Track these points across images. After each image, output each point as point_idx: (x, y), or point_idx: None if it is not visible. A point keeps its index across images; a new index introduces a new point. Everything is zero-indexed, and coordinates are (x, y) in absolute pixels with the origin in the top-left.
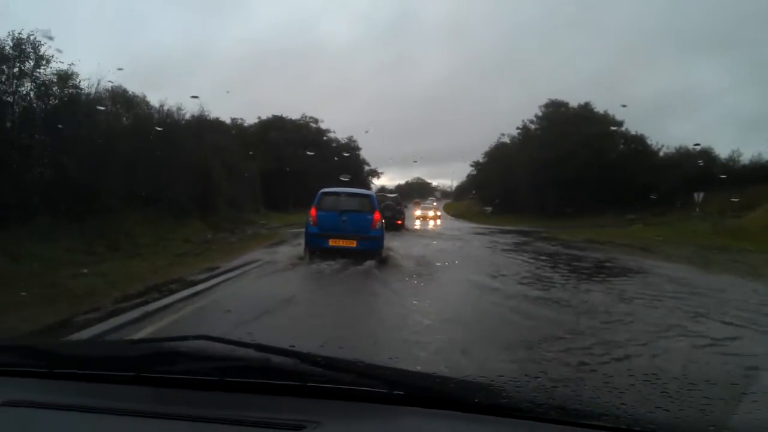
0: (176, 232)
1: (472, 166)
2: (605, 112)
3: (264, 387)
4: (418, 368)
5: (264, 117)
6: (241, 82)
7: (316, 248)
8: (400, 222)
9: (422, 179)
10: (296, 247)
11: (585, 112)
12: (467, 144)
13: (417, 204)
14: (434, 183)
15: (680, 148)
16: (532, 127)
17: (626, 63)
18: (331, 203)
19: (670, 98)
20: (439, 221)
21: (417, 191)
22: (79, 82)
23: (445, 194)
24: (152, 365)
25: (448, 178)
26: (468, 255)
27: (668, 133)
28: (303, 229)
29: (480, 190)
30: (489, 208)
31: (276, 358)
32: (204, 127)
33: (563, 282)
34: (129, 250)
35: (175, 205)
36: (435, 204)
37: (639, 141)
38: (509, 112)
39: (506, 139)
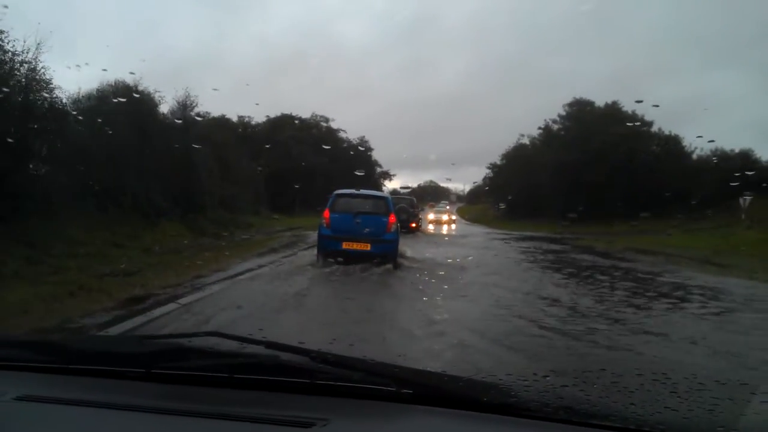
0: (139, 238)
1: (488, 168)
2: (633, 112)
3: (274, 384)
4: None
5: (273, 115)
6: (255, 82)
7: (330, 251)
8: (414, 225)
9: (435, 182)
10: (283, 265)
11: (612, 110)
12: (481, 148)
13: (431, 207)
14: (448, 186)
15: (716, 150)
16: (555, 127)
17: (648, 68)
18: (346, 205)
19: (692, 101)
20: (453, 225)
21: (430, 194)
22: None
23: (458, 198)
24: (163, 361)
25: (460, 182)
26: (497, 269)
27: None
28: (303, 234)
29: (497, 193)
30: (502, 205)
31: (286, 356)
32: (189, 116)
33: (662, 324)
34: (53, 263)
35: (146, 204)
36: (449, 207)
37: (673, 142)
38: (524, 117)
39: (526, 140)
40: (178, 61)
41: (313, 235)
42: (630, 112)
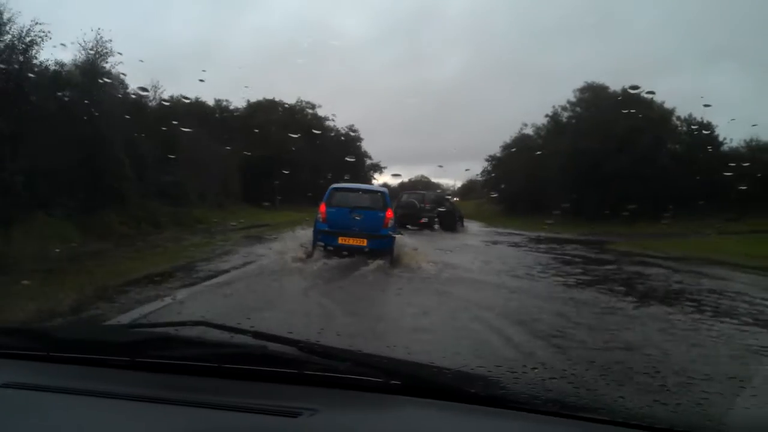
0: None
1: (487, 160)
2: (652, 99)
3: (261, 374)
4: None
5: (254, 100)
6: (251, 74)
7: (325, 246)
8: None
9: (427, 177)
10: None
11: (632, 95)
12: (474, 144)
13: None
14: (441, 182)
15: (751, 141)
16: (565, 114)
17: (650, 64)
18: (342, 200)
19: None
20: None
21: (421, 189)
22: None
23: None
24: (149, 350)
25: (451, 177)
26: (528, 293)
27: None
28: (272, 236)
29: (496, 187)
30: (493, 194)
31: (274, 346)
32: (99, 70)
33: None
34: None
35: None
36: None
37: (707, 128)
38: (519, 113)
39: (529, 130)
40: (172, 53)
41: (272, 252)
42: (649, 98)
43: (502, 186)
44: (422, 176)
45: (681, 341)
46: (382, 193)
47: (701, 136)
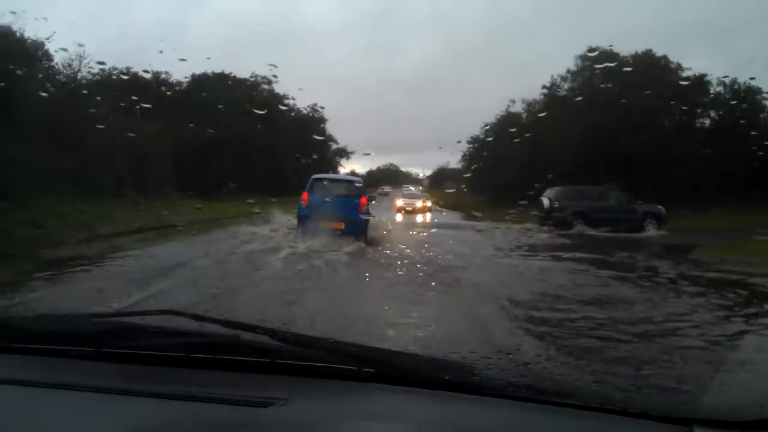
0: None
1: (469, 142)
2: (678, 63)
3: (231, 364)
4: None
5: (199, 72)
6: (216, 61)
7: (308, 229)
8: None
9: (396, 166)
10: None
11: (648, 59)
12: (442, 134)
13: (381, 193)
14: (411, 171)
15: None
16: (566, 85)
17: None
18: (322, 188)
19: None
20: (429, 214)
21: (389, 178)
22: None
23: (417, 182)
24: (114, 341)
25: (419, 166)
26: None
27: None
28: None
29: (478, 173)
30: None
31: (245, 334)
32: None
33: None
34: None
35: None
36: (421, 191)
37: (751, 95)
38: (488, 104)
39: (519, 108)
40: (137, 38)
41: None
42: (675, 62)
43: (487, 172)
44: (391, 164)
45: None
46: (358, 182)
47: (746, 103)
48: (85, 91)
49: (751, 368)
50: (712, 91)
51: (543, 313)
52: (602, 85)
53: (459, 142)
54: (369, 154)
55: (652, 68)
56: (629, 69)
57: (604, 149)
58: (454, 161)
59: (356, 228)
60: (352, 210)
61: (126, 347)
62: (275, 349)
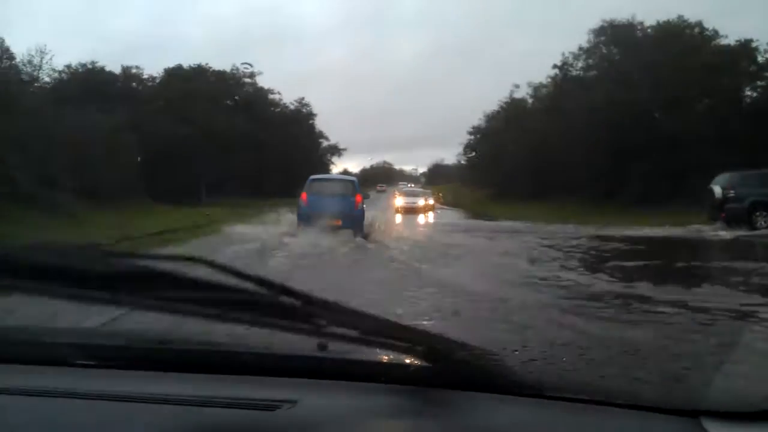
0: None
1: (470, 133)
2: (714, 30)
3: (233, 363)
4: None
5: (173, 65)
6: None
7: (307, 224)
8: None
9: (389, 163)
10: None
11: (675, 29)
12: (436, 131)
13: (380, 190)
14: (405, 168)
15: None
16: (579, 64)
17: None
18: (320, 188)
19: None
20: (431, 214)
21: (383, 176)
22: None
23: (412, 179)
24: (132, 284)
25: (413, 163)
26: None
27: None
28: None
29: (480, 166)
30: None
31: (285, 298)
32: None
33: None
34: None
35: None
36: (419, 188)
37: None
38: (482, 102)
39: (525, 93)
40: (126, 42)
41: None
42: (710, 29)
43: (492, 164)
44: (385, 162)
45: None
46: (353, 181)
47: None
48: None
49: (757, 358)
50: (760, 59)
51: None
52: (617, 58)
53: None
54: (370, 159)
55: (682, 38)
56: (659, 37)
57: (637, 130)
58: (450, 157)
59: (353, 222)
60: (349, 207)
61: (147, 295)
62: (316, 314)
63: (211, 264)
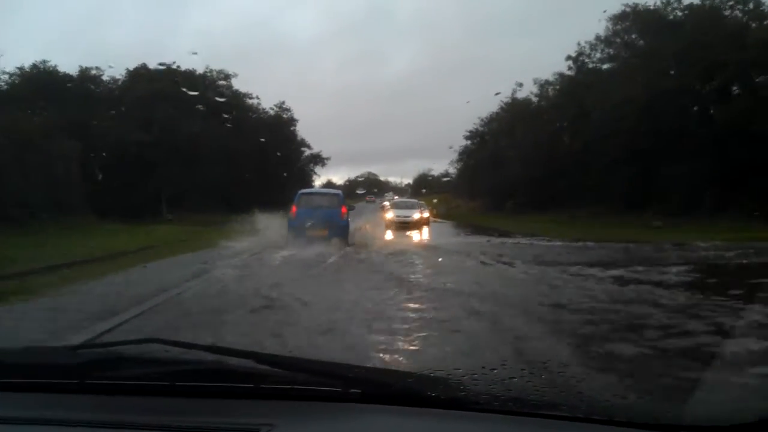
0: None
1: (467, 138)
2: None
3: (216, 390)
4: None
5: (137, 65)
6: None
7: (297, 235)
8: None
9: (375, 174)
10: None
11: (705, 12)
12: (422, 142)
13: (369, 200)
14: (391, 179)
15: None
16: (596, 55)
17: None
18: (308, 201)
19: None
20: (426, 229)
21: (369, 187)
22: None
23: (398, 191)
24: (98, 371)
25: (398, 174)
26: None
27: None
28: None
29: (477, 176)
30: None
31: (230, 360)
32: None
33: None
34: None
35: None
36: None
37: None
38: (470, 114)
39: (530, 93)
40: (118, 56)
41: None
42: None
43: (491, 172)
44: (369, 173)
45: None
46: (338, 194)
47: None
48: None
49: (735, 372)
50: None
51: None
52: (640, 43)
53: (451, 147)
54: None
55: (714, 20)
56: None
57: (636, 138)
58: (437, 167)
59: (339, 232)
60: (335, 218)
61: (111, 378)
62: (260, 373)
63: (162, 341)
